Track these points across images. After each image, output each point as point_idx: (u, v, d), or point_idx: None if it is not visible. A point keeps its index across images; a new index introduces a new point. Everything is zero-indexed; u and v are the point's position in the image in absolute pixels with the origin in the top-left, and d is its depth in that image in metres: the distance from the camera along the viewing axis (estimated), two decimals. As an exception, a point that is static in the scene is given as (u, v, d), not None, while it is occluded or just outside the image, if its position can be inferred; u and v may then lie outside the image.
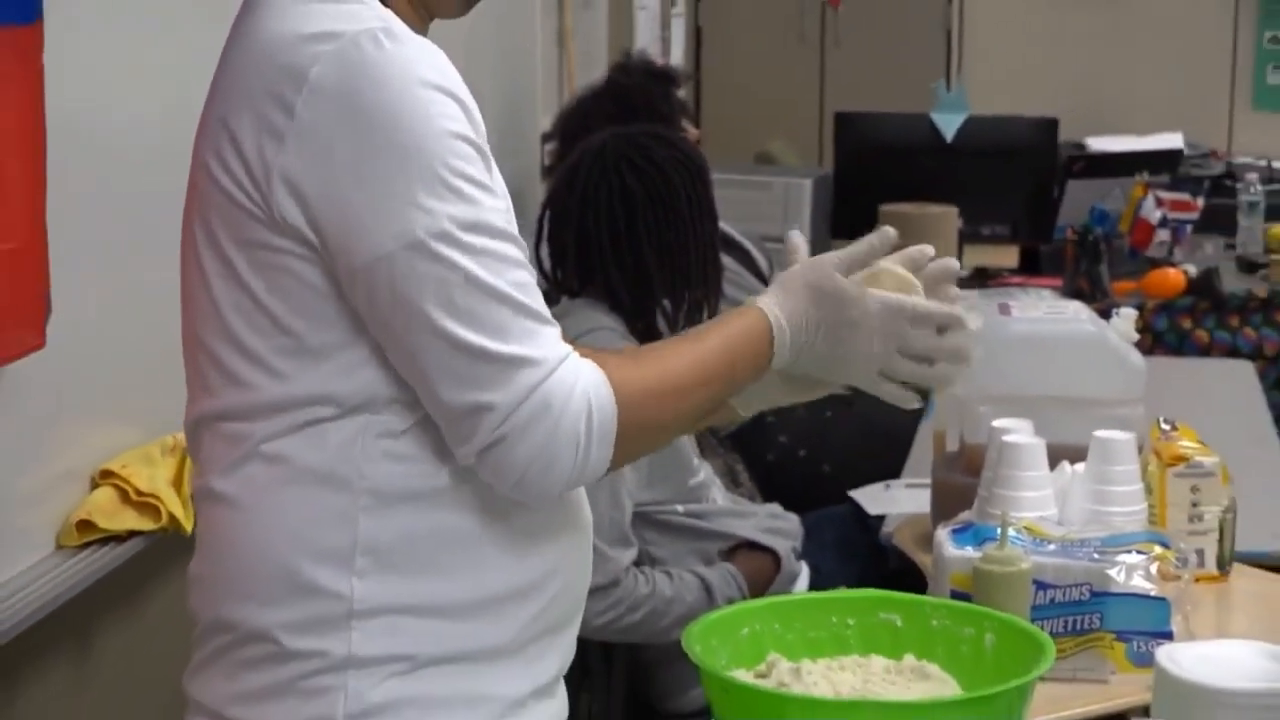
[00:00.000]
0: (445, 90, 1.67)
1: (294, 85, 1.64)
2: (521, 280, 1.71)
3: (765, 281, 4.42)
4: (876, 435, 4.02)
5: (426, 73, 1.66)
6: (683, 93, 4.26)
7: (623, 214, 3.24)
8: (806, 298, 1.87)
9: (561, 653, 1.92)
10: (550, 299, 2.69)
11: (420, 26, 1.81)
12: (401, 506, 1.75)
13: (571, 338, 3.17)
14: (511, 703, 1.82)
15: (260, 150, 1.66)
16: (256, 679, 1.75)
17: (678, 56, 6.14)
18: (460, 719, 1.79)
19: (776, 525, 3.46)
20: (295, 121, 1.64)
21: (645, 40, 5.68)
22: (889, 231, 1.99)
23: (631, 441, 1.78)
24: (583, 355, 1.76)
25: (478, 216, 1.66)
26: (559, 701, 1.94)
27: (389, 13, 1.72)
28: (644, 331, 3.30)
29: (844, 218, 5.58)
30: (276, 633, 1.73)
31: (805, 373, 1.94)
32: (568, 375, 1.70)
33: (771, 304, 1.87)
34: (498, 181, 1.77)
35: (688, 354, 1.87)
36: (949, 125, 5.52)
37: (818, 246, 5.39)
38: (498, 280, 1.66)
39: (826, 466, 4.08)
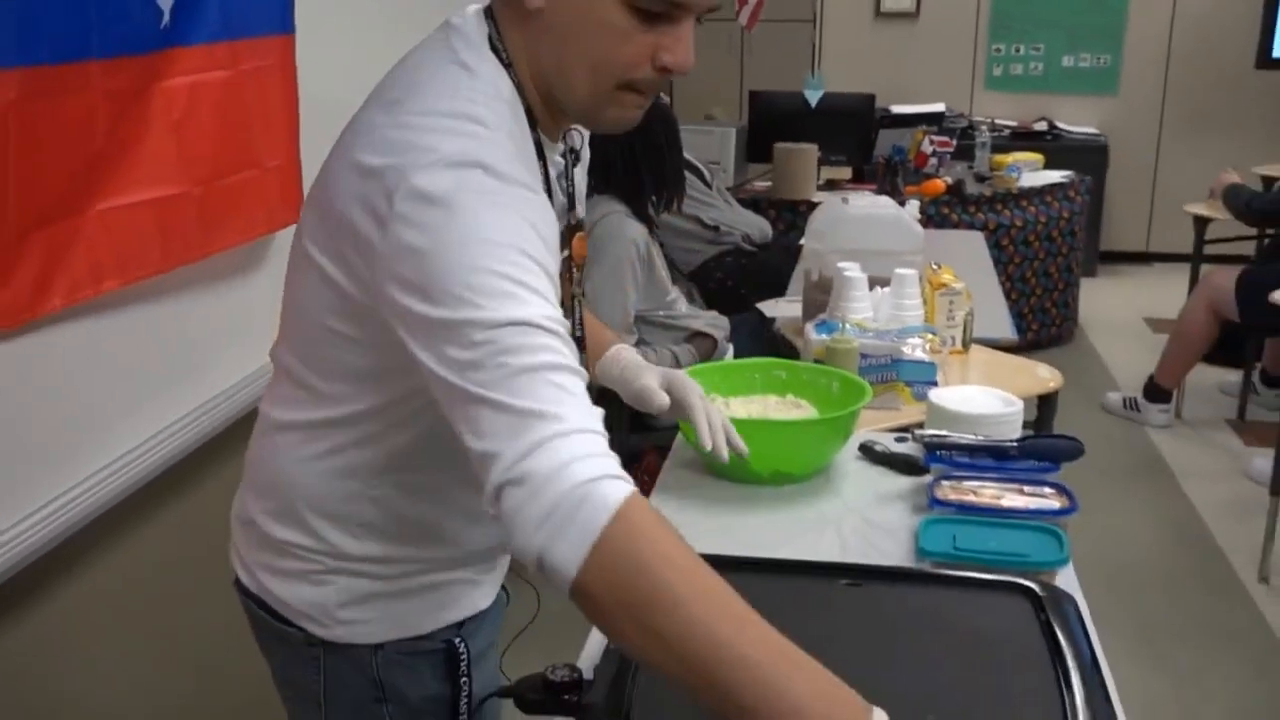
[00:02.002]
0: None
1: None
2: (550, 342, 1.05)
3: (709, 185, 4.37)
4: (772, 272, 3.97)
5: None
6: None
7: (626, 149, 3.23)
8: None
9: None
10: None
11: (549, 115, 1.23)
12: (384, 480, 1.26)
13: (595, 219, 3.14)
14: (467, 581, 1.37)
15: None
16: (275, 563, 1.32)
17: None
18: (425, 599, 1.33)
19: (716, 323, 3.46)
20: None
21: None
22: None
23: (636, 602, 0.96)
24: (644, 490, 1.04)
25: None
26: (497, 576, 1.44)
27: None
28: (639, 213, 3.30)
29: (754, 153, 5.47)
30: (288, 545, 1.30)
31: None
32: (576, 449, 0.99)
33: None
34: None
35: (722, 626, 0.95)
36: (813, 97, 5.41)
37: (738, 170, 5.38)
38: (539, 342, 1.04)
39: (743, 290, 4.05)
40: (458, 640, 1.36)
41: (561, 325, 1.06)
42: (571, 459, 0.98)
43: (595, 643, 1.42)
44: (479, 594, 1.40)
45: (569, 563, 0.97)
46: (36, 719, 1.76)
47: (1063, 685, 1.20)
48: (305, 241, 1.22)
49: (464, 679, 1.36)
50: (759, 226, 4.47)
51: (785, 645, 0.97)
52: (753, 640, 0.96)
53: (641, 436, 3.28)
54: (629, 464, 3.48)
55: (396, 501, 1.27)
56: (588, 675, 1.22)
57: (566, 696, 1.20)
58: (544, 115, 1.23)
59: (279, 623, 1.33)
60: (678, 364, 3.12)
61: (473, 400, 1.02)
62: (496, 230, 1.05)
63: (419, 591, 1.33)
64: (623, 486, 0.99)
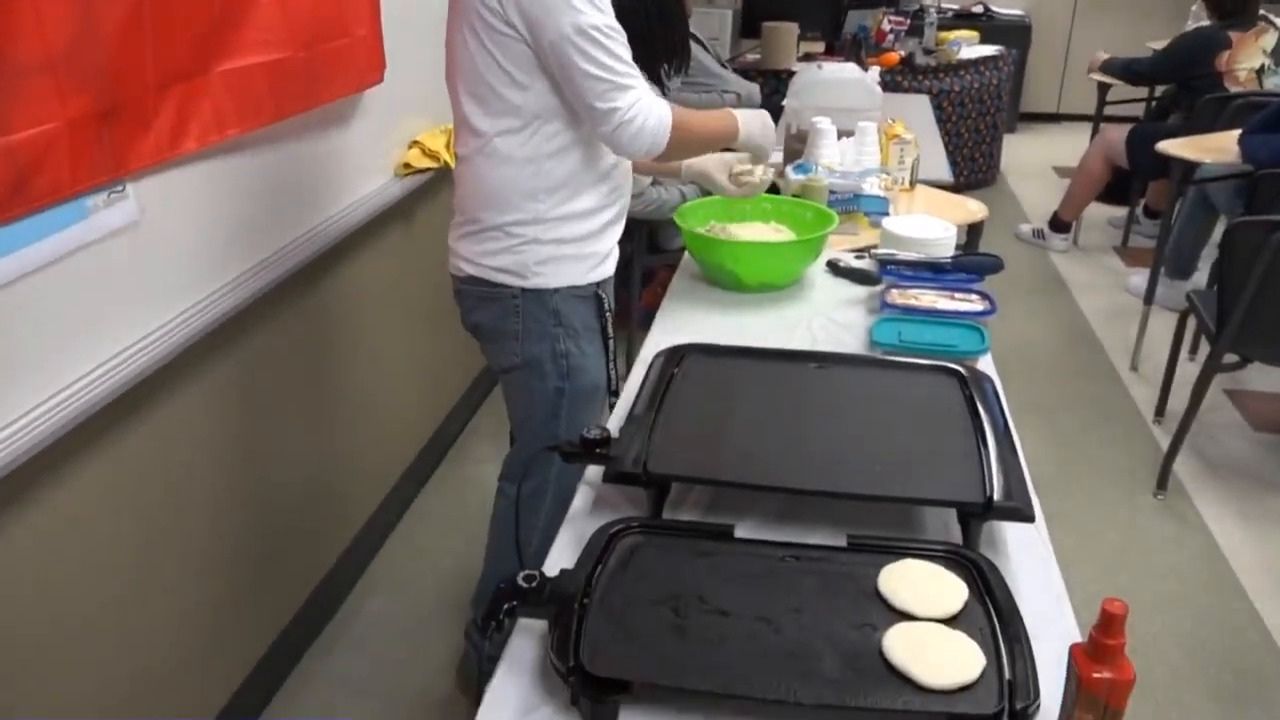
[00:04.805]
0: None
1: None
2: (625, 54, 1.54)
3: (711, 55, 4.17)
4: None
5: None
6: None
7: (645, 27, 3.04)
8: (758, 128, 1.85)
9: (617, 233, 1.75)
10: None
11: None
12: (554, 167, 1.59)
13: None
14: (602, 255, 1.69)
15: None
16: (491, 246, 1.63)
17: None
18: (582, 262, 1.66)
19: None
20: None
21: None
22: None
23: (672, 144, 1.58)
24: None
25: (605, 21, 1.50)
26: (614, 258, 1.76)
27: None
28: (653, 77, 3.15)
29: (746, 30, 5.21)
30: (504, 225, 1.62)
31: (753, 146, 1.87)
32: (649, 101, 1.53)
33: (744, 119, 1.82)
34: None
35: (707, 120, 1.75)
36: (796, -15, 5.15)
37: (733, 45, 5.11)
38: (617, 51, 1.51)
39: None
40: (600, 293, 1.70)
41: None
42: (650, 105, 1.54)
43: (622, 407, 1.42)
44: (605, 266, 1.71)
45: (658, 145, 1.56)
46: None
47: (980, 443, 1.20)
48: (466, 35, 1.54)
49: (607, 314, 1.72)
50: (748, 89, 4.30)
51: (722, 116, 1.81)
52: (716, 120, 1.79)
53: (657, 256, 3.24)
54: (647, 278, 3.44)
55: (562, 159, 1.59)
56: (614, 435, 1.22)
57: (598, 450, 1.20)
58: None
59: (492, 287, 1.64)
60: (684, 199, 3.04)
61: (591, 77, 1.49)
62: None
63: (579, 257, 1.65)
64: (663, 110, 1.56)
